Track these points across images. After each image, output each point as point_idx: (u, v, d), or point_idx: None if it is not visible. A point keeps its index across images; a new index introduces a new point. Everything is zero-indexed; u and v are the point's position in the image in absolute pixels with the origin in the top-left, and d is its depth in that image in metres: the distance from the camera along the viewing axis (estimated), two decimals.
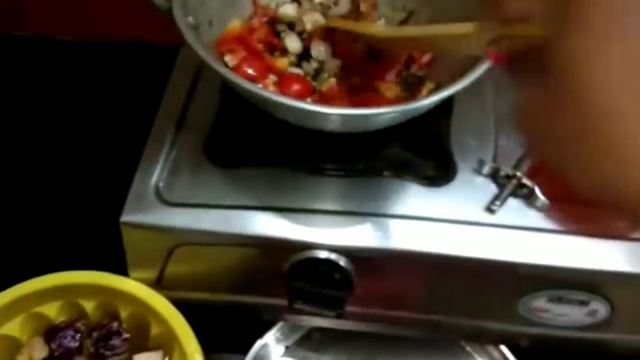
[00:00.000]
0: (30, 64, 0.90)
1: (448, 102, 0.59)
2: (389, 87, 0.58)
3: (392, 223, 0.54)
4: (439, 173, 0.56)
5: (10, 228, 0.75)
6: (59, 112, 0.85)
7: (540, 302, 0.56)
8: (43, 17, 0.86)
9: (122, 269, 0.59)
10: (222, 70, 0.47)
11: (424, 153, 0.57)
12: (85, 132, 0.82)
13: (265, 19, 0.60)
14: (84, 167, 0.78)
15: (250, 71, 0.56)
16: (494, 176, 0.57)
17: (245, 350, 0.65)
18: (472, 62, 0.49)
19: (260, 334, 0.66)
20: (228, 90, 0.60)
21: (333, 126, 0.52)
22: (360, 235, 0.54)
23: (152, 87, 0.63)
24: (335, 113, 0.49)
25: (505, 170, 0.56)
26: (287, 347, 0.67)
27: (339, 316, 0.54)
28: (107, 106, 0.84)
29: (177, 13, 0.49)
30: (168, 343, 0.58)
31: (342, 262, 0.54)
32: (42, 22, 0.87)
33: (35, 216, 0.76)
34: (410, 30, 0.56)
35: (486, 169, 0.57)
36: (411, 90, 0.59)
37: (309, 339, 0.67)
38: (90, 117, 0.83)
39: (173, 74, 0.63)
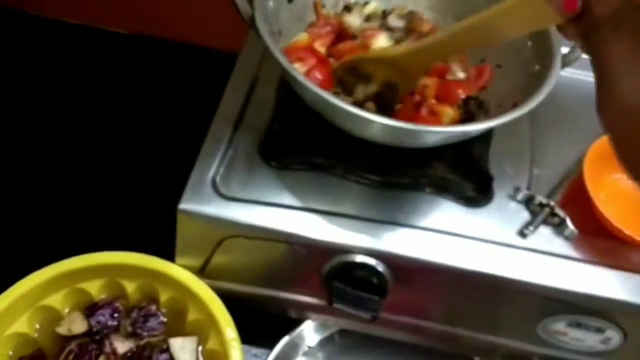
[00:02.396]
0: (94, 55, 0.93)
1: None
2: (447, 110, 0.61)
3: (430, 236, 0.58)
4: (478, 195, 0.60)
5: (74, 206, 0.78)
6: (123, 102, 0.89)
7: (559, 326, 0.60)
8: (104, 8, 0.89)
9: (167, 255, 0.62)
10: (299, 76, 0.51)
11: (466, 175, 0.61)
12: (145, 124, 0.86)
13: (329, 27, 0.64)
14: (143, 157, 0.82)
15: (318, 76, 0.59)
16: (527, 203, 0.61)
17: (269, 344, 0.68)
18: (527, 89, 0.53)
19: (284, 332, 0.69)
20: (284, 95, 0.64)
21: (383, 137, 0.56)
22: (399, 244, 0.57)
23: (209, 88, 0.67)
24: (381, 122, 0.51)
25: (539, 198, 0.60)
26: (309, 347, 0.70)
27: (373, 319, 0.57)
28: (167, 101, 0.88)
29: (259, 21, 0.53)
30: (203, 330, 0.61)
31: (380, 267, 0.57)
32: (103, 13, 0.90)
33: (95, 197, 0.79)
34: (470, 21, 0.52)
35: (521, 196, 0.61)
36: (469, 115, 0.62)
37: (332, 341, 0.70)
38: (151, 110, 0.87)
39: (232, 77, 0.66)
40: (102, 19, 0.91)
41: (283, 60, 0.51)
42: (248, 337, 0.69)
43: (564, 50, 0.58)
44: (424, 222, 0.59)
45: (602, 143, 0.62)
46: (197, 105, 0.66)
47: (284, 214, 0.57)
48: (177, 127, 0.83)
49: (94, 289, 0.63)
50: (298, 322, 0.69)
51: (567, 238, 0.59)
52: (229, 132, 0.62)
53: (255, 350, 0.70)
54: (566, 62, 0.58)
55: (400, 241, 0.57)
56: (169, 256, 0.62)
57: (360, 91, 0.61)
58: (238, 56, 0.69)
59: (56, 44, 0.93)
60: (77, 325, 0.62)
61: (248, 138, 0.62)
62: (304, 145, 0.61)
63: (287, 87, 0.59)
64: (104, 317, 0.62)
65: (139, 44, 0.92)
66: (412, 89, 0.62)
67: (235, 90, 0.66)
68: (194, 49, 0.89)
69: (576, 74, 0.69)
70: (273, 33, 0.57)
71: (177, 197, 0.58)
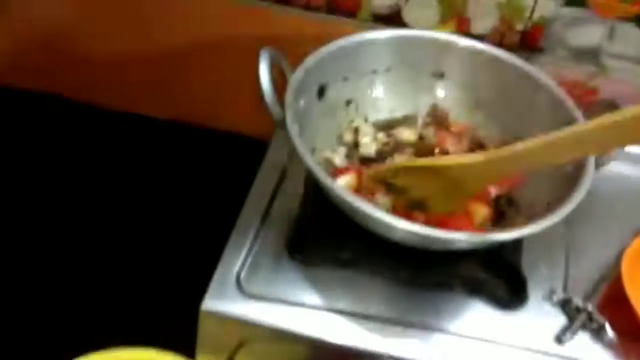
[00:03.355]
0: (123, 140, 0.96)
1: None
2: (479, 208, 0.60)
3: (458, 342, 0.55)
4: (511, 297, 0.58)
5: (97, 296, 0.78)
6: (148, 189, 0.91)
7: None
8: (140, 94, 0.92)
9: (189, 350, 0.60)
10: (325, 179, 0.51)
11: (498, 274, 0.59)
12: (175, 211, 0.87)
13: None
14: (171, 244, 0.83)
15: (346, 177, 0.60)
16: (564, 306, 0.58)
17: None
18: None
19: None
20: (312, 189, 0.64)
21: (409, 241, 0.54)
22: (428, 351, 0.55)
23: (240, 175, 0.67)
24: (406, 228, 0.50)
25: (576, 301, 0.57)
26: None
27: None
28: (199, 187, 0.89)
29: (290, 123, 0.53)
30: None
31: None
32: (137, 98, 0.93)
33: (121, 287, 0.79)
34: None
35: (556, 298, 0.58)
36: (500, 213, 0.61)
37: None
38: (181, 196, 0.89)
39: (261, 169, 0.67)
40: (137, 105, 0.94)
41: (310, 162, 0.51)
42: None
43: None
44: (454, 325, 0.56)
45: None
46: (228, 191, 0.66)
47: (309, 315, 0.56)
48: (206, 215, 0.84)
49: None
50: None
51: (607, 345, 0.56)
52: (257, 225, 0.62)
53: None
54: (600, 163, 0.57)
55: (430, 348, 0.55)
56: (191, 351, 0.60)
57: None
58: (268, 147, 0.70)
59: (91, 128, 0.96)
60: None
61: (275, 232, 0.61)
62: (330, 240, 0.61)
63: (315, 181, 0.59)
64: None
65: (172, 130, 0.94)
66: (461, 208, 0.57)
67: (264, 182, 0.66)
68: (226, 135, 0.91)
69: (613, 165, 0.67)
70: (302, 132, 0.58)
71: (202, 288, 0.57)
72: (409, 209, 0.58)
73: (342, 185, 0.58)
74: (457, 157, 0.58)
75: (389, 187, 0.59)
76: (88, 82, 0.92)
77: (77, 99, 0.93)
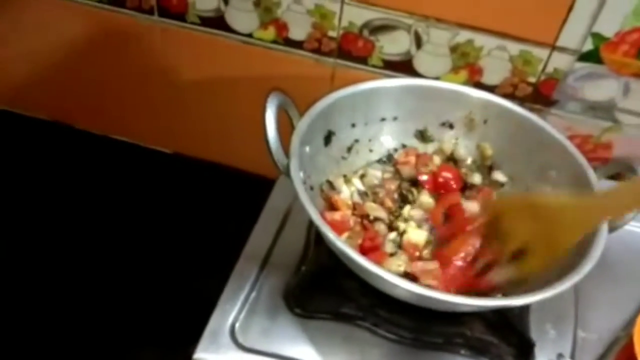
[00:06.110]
0: (128, 171, 0.96)
1: None
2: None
3: None
4: None
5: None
6: (151, 224, 0.90)
7: None
8: (145, 128, 0.92)
9: None
10: (329, 233, 0.50)
11: (504, 336, 0.56)
12: (175, 246, 0.86)
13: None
14: (162, 288, 0.81)
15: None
16: None
17: None
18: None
19: None
20: (314, 238, 0.62)
21: (411, 300, 0.52)
22: None
23: (244, 211, 0.66)
24: (407, 289, 0.47)
25: None
26: None
27: None
28: (201, 222, 0.88)
29: (294, 172, 0.52)
30: None
31: None
32: (143, 132, 0.93)
33: (109, 333, 0.78)
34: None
35: None
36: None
37: None
38: (179, 232, 0.88)
39: (263, 214, 0.65)
40: (144, 137, 0.94)
41: (313, 212, 0.50)
42: None
43: None
44: None
45: None
46: (230, 231, 0.65)
47: None
48: (204, 255, 0.82)
49: None
50: None
51: None
52: (255, 273, 0.60)
53: None
54: (613, 226, 0.54)
55: None
56: None
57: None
58: (271, 192, 0.68)
59: (99, 158, 0.96)
60: None
61: (273, 280, 0.60)
62: (330, 293, 0.58)
63: (317, 230, 0.58)
64: None
65: (178, 164, 0.94)
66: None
67: (265, 228, 0.64)
68: (231, 171, 0.91)
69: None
70: (306, 179, 0.56)
71: (196, 335, 0.55)
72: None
73: (344, 240, 0.56)
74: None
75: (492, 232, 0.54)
76: (100, 114, 0.92)
77: (91, 130, 0.94)
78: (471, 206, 0.62)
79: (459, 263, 0.56)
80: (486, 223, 0.56)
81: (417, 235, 0.59)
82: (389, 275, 0.48)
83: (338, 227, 0.57)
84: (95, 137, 0.95)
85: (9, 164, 0.96)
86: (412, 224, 0.61)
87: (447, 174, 0.66)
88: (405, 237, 0.59)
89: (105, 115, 0.93)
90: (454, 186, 0.65)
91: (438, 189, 0.65)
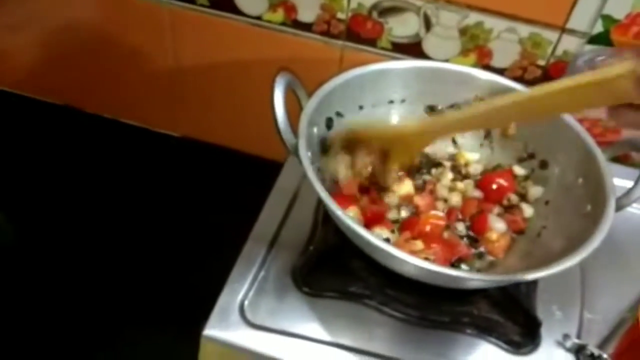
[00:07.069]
0: (137, 154, 0.97)
1: None
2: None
3: None
4: (524, 340, 0.56)
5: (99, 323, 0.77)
6: (159, 206, 0.91)
7: None
8: (154, 112, 0.93)
9: None
10: (337, 210, 0.50)
11: (511, 316, 0.57)
12: (185, 229, 0.87)
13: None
14: (172, 268, 0.82)
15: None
16: (577, 352, 0.56)
17: None
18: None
19: None
20: (322, 217, 0.63)
21: (420, 277, 0.53)
22: None
23: (253, 195, 0.66)
24: (416, 264, 0.48)
25: (591, 349, 0.55)
26: None
27: None
28: (210, 205, 0.89)
29: (302, 151, 0.53)
30: None
31: None
32: (152, 116, 0.94)
33: (119, 313, 0.79)
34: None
35: (570, 344, 0.56)
36: None
37: None
38: (189, 215, 0.89)
39: (271, 195, 0.66)
40: (153, 121, 0.94)
41: (321, 191, 0.50)
42: None
43: (618, 192, 0.55)
44: None
45: None
46: (239, 213, 0.65)
47: (312, 349, 0.54)
48: (214, 236, 0.83)
49: None
50: None
51: None
52: (263, 253, 0.61)
53: None
54: (620, 205, 0.55)
55: None
56: None
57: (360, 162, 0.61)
58: (280, 172, 0.69)
59: (109, 142, 0.97)
60: None
61: (281, 260, 0.60)
62: (338, 272, 0.59)
63: (325, 210, 0.58)
64: None
65: (186, 147, 0.94)
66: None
67: (274, 208, 0.65)
68: (240, 155, 0.91)
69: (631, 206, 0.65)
70: (314, 160, 0.57)
71: (205, 312, 0.56)
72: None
73: (352, 216, 0.57)
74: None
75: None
76: (110, 97, 0.93)
77: (101, 114, 0.94)
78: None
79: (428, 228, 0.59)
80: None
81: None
82: (397, 251, 0.48)
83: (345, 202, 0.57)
84: (105, 121, 0.95)
85: (20, 147, 0.97)
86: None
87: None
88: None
89: (115, 99, 0.94)
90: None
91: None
